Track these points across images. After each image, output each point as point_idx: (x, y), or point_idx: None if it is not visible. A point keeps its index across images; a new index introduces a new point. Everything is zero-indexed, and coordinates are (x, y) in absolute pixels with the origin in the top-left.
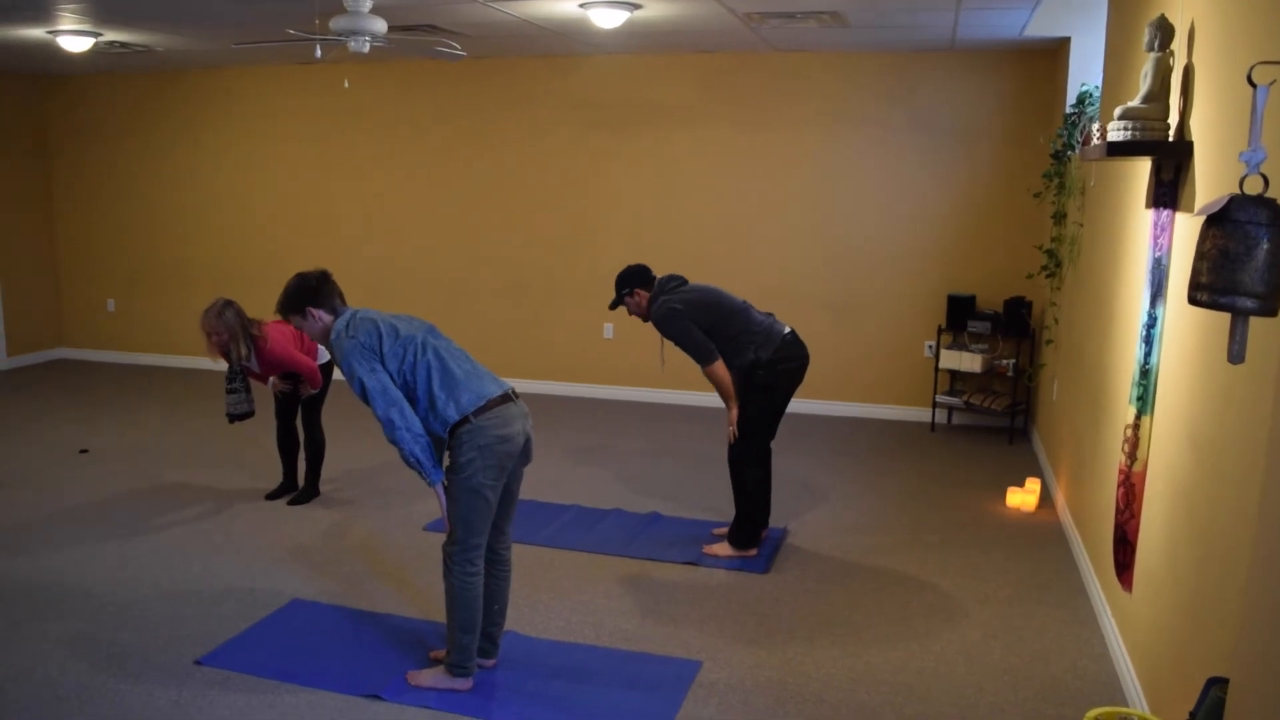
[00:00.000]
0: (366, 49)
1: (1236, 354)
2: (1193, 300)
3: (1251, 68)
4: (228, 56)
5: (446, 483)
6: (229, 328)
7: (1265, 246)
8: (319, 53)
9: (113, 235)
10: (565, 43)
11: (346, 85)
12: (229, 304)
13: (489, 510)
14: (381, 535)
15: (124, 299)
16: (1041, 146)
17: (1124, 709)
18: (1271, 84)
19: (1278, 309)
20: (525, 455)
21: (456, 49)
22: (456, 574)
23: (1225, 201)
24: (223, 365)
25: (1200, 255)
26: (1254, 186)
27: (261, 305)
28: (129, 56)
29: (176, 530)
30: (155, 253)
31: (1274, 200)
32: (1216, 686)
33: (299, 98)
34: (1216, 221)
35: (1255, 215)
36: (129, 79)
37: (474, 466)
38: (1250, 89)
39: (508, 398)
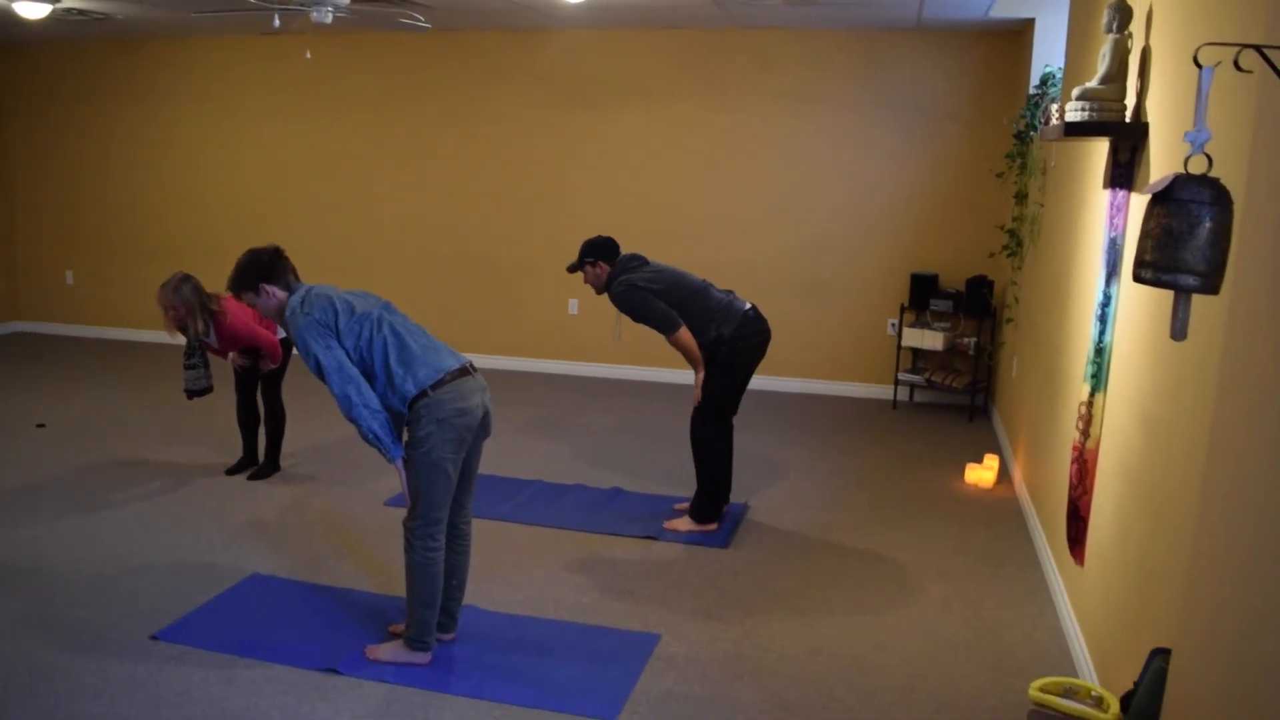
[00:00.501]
0: (329, 19)
1: (1179, 331)
2: (1137, 278)
3: (1197, 49)
4: (188, 26)
5: (406, 458)
6: (186, 303)
7: (1208, 225)
8: (277, 22)
9: (71, 207)
10: (531, 16)
11: (309, 56)
12: (187, 278)
13: (449, 484)
14: (342, 510)
15: (83, 271)
16: (1005, 127)
17: (1069, 679)
18: (1217, 65)
19: (1219, 286)
20: (484, 428)
21: (421, 20)
22: (418, 549)
23: (1169, 180)
24: (181, 340)
25: (1145, 233)
26: (1198, 166)
27: (221, 279)
28: (87, 24)
29: (135, 505)
30: (114, 225)
31: (1217, 180)
32: (1159, 657)
33: (260, 69)
34: (1161, 200)
35: (1198, 194)
36: (87, 47)
37: (433, 440)
38: (1219, 69)
39: (465, 371)
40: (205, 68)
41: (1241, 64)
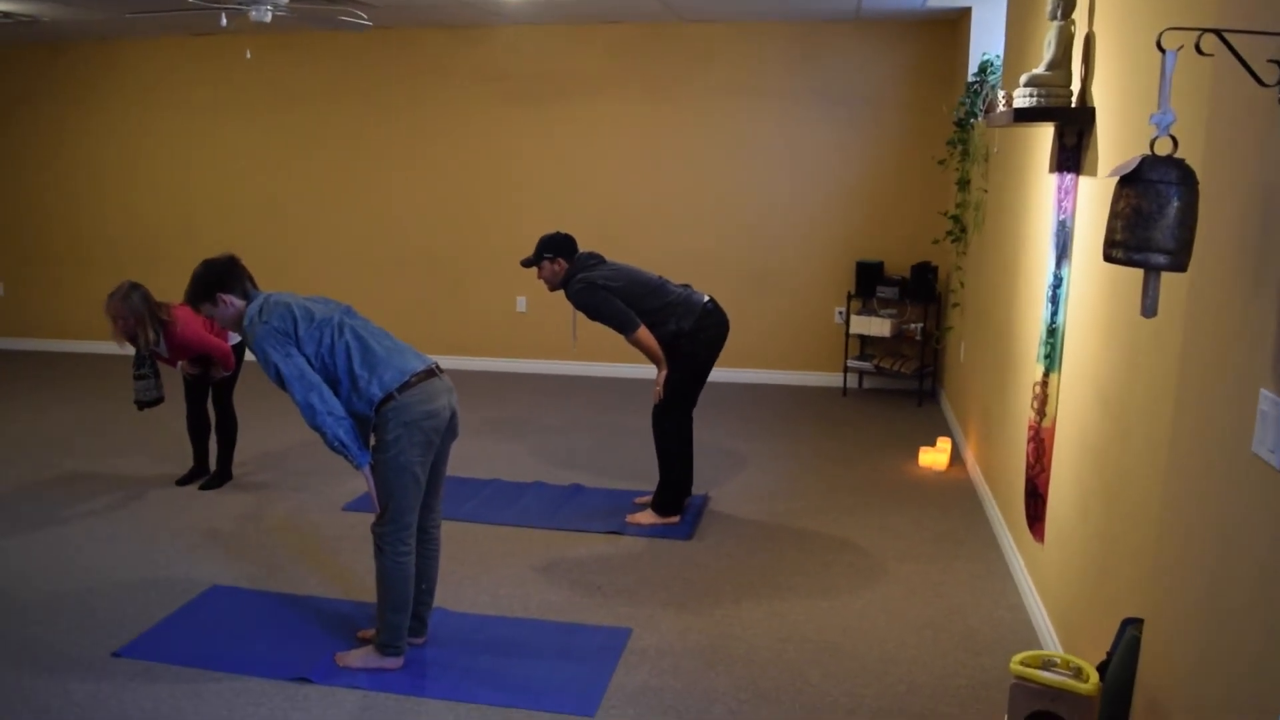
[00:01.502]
0: (268, 18)
1: (1149, 308)
2: (1108, 257)
3: (1161, 33)
4: (119, 28)
5: (373, 463)
6: (135, 312)
7: (1176, 204)
8: (225, 20)
9: (1, 216)
10: (472, 13)
11: (248, 56)
12: (135, 287)
13: (418, 488)
14: (299, 517)
15: (15, 282)
16: (945, 115)
17: (1047, 652)
18: (1180, 49)
19: (1188, 264)
20: (452, 430)
21: (362, 18)
22: (389, 554)
23: (1137, 162)
24: (129, 350)
25: (1114, 214)
26: (1164, 147)
27: (163, 286)
28: (12, 28)
29: (85, 520)
30: (48, 234)
31: (1183, 160)
32: (1132, 626)
33: (196, 70)
34: (1130, 181)
35: (1166, 175)
36: (13, 51)
37: (401, 444)
38: (1156, 55)
39: (432, 373)
40: (139, 70)
41: (1202, 47)
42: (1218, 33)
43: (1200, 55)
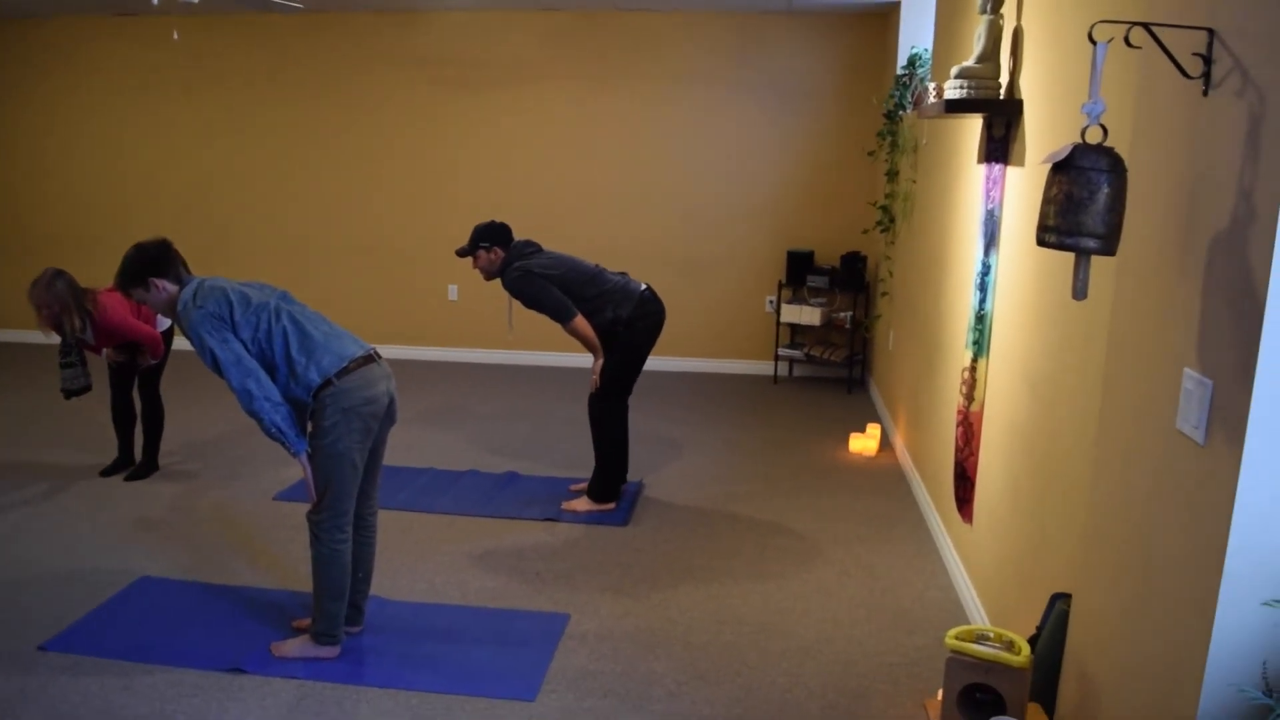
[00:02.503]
0: None
1: (1080, 290)
2: (1041, 242)
3: (1093, 26)
4: (38, 6)
5: (310, 450)
6: (60, 300)
7: (1106, 191)
8: (155, 0)
9: None
10: None
11: (176, 37)
12: (59, 274)
13: (356, 475)
14: (229, 506)
15: None
16: (874, 107)
17: (980, 627)
18: (1110, 41)
19: (1116, 248)
20: (390, 417)
21: (294, 0)
22: (325, 542)
23: (1070, 150)
24: (54, 339)
25: (1047, 200)
26: (1095, 136)
27: (93, 273)
28: None
29: (6, 512)
30: None
31: (1113, 149)
32: (1061, 600)
33: (123, 51)
34: (1062, 169)
35: (1096, 162)
36: None
37: (339, 430)
38: (1083, 48)
39: (370, 358)
40: (60, 50)
41: (1131, 40)
42: (1146, 26)
43: (1129, 48)
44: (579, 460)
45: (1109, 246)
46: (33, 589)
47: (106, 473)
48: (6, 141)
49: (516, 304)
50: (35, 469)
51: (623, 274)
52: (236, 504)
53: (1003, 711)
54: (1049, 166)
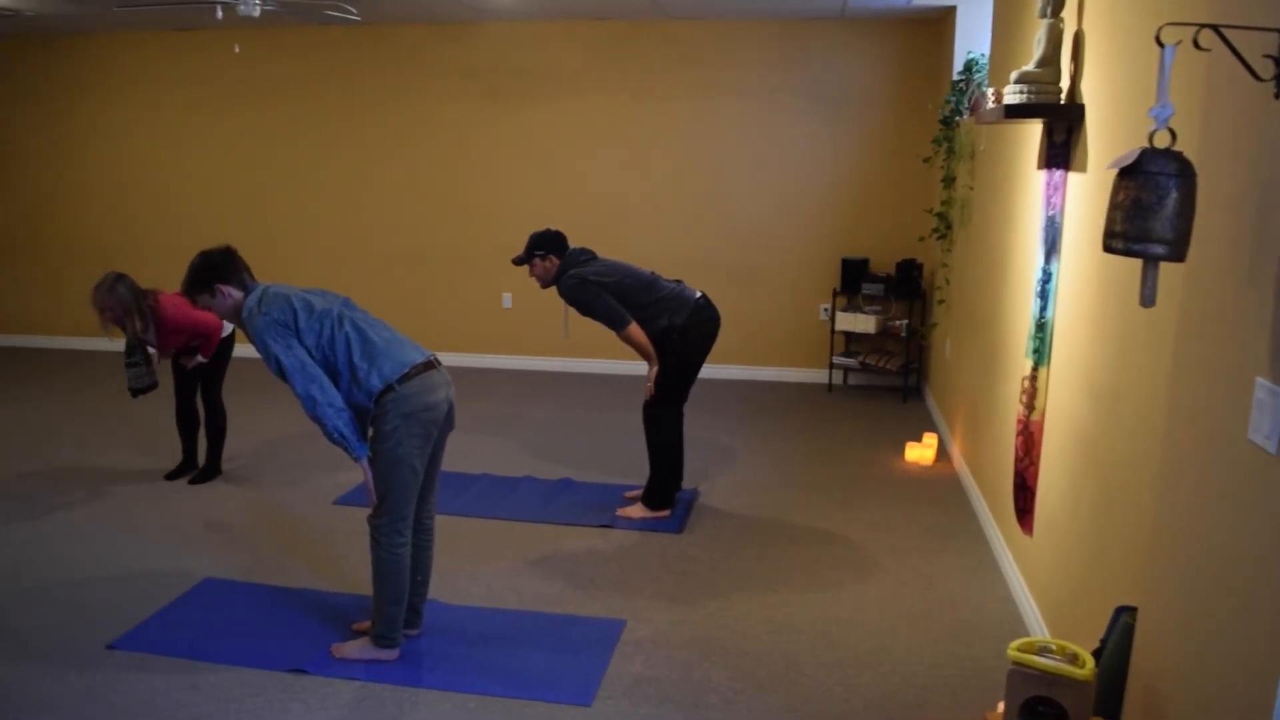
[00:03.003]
0: (257, 12)
1: (1148, 297)
2: (1107, 248)
3: (1160, 28)
4: (102, 22)
5: (371, 455)
6: (123, 302)
7: (1174, 196)
8: (220, 14)
9: None
10: (459, 9)
11: (237, 50)
12: (120, 278)
13: (416, 480)
14: (290, 510)
15: None
16: (930, 113)
17: (1043, 639)
18: (1178, 44)
19: (1185, 254)
20: (449, 422)
21: (351, 13)
22: (385, 545)
23: (1137, 155)
24: (117, 343)
25: (1114, 205)
26: (1163, 140)
27: (146, 278)
28: None
29: (74, 513)
30: (29, 228)
31: (1181, 153)
32: (1126, 613)
33: (181, 65)
34: (1129, 174)
35: (1165, 167)
36: None
37: (399, 435)
38: (1147, 52)
39: (430, 365)
40: (122, 64)
41: (1200, 42)
42: (1215, 28)
43: (1198, 50)
44: (634, 468)
45: (1178, 253)
46: (100, 589)
47: (171, 476)
48: (68, 153)
49: (572, 311)
50: (101, 472)
51: (678, 281)
52: (297, 508)
53: None
54: (1115, 172)
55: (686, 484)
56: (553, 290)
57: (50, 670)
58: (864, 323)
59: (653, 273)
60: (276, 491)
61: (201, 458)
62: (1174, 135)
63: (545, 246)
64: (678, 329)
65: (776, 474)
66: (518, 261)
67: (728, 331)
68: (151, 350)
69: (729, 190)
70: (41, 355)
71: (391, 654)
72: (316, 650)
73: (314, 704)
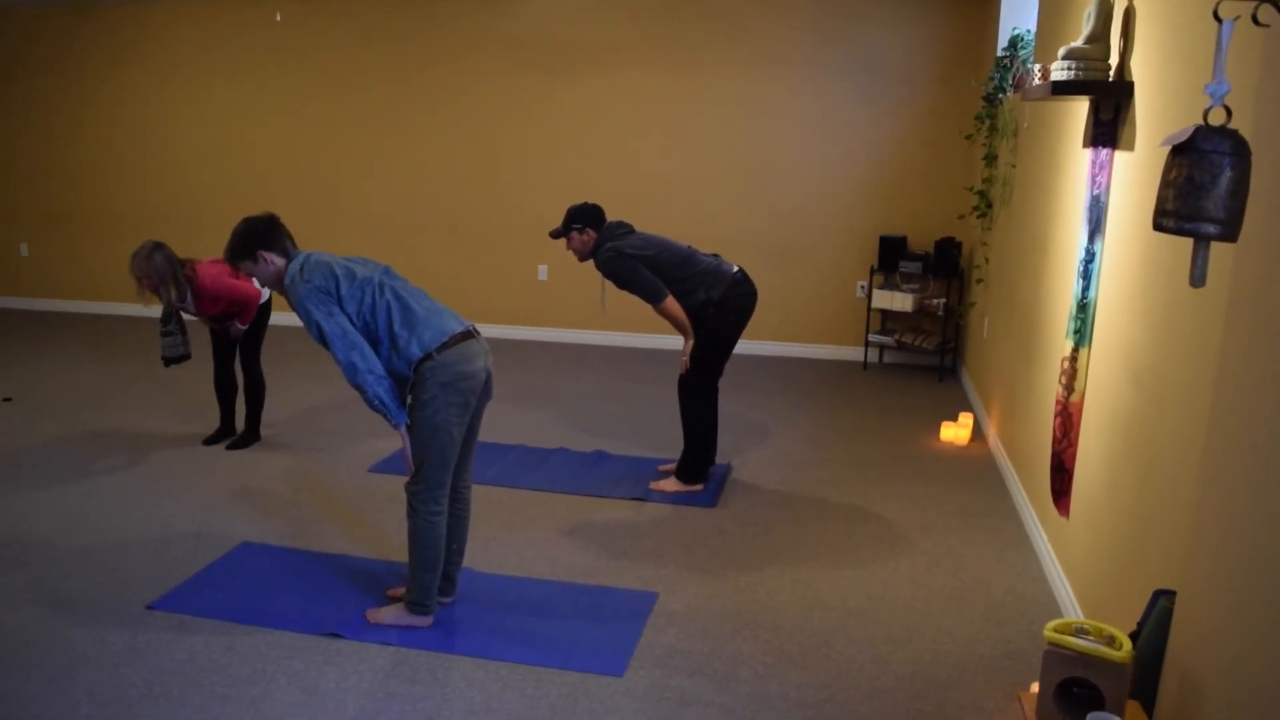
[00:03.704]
0: None
1: (1199, 277)
2: (1158, 226)
3: (1218, 3)
4: None
5: (410, 422)
6: (159, 271)
7: (1228, 174)
8: None
9: (24, 178)
10: None
11: (278, 19)
12: (158, 246)
13: (453, 448)
14: (326, 476)
15: (39, 243)
16: (973, 89)
17: (1079, 620)
18: (1236, 19)
19: (1238, 234)
20: (487, 392)
21: None
22: (421, 513)
23: (1191, 132)
24: (154, 310)
25: (1166, 184)
26: (1218, 118)
27: (185, 245)
28: None
29: (114, 476)
30: (72, 195)
31: (1236, 131)
32: (1164, 597)
33: (222, 34)
34: (1182, 151)
35: (1219, 145)
36: (35, 15)
37: (438, 403)
38: (1199, 28)
39: (469, 334)
40: (166, 33)
41: (1260, 18)
42: (1275, 3)
43: (1256, 26)
44: (668, 441)
45: (1230, 232)
46: (139, 551)
47: (209, 441)
48: (108, 122)
49: (609, 285)
50: (141, 437)
51: (715, 255)
52: (333, 474)
53: (1101, 707)
54: (1167, 149)
55: (720, 459)
56: (588, 263)
57: (91, 630)
58: (901, 301)
59: (690, 246)
60: (313, 457)
61: (239, 424)
62: (1229, 113)
63: (583, 220)
64: (714, 303)
65: (811, 450)
66: (555, 234)
67: (765, 307)
68: (188, 317)
69: (769, 166)
70: (84, 320)
71: (426, 620)
72: (352, 615)
73: (349, 668)
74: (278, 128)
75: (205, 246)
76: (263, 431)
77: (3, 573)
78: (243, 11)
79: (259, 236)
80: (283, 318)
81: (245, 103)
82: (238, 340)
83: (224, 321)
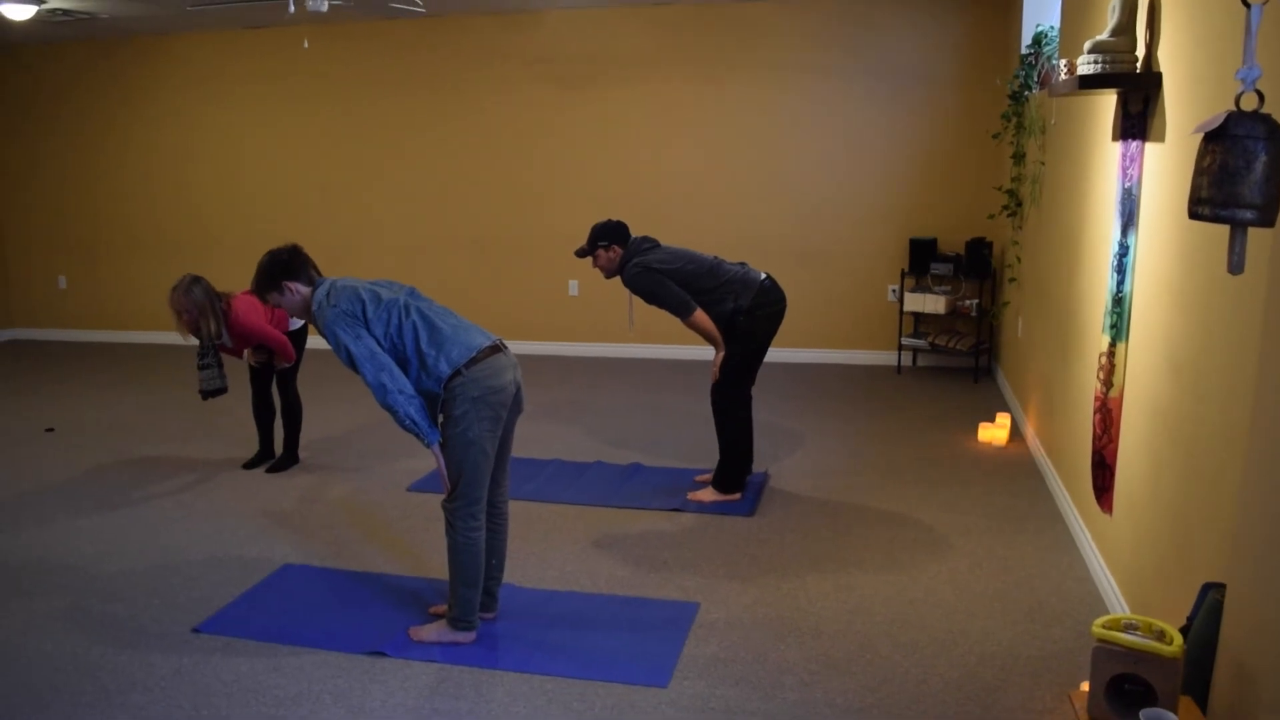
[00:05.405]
0: (325, 7)
1: (1236, 265)
2: (1193, 215)
3: None
4: (172, 23)
5: (443, 440)
6: (198, 304)
7: (1263, 159)
8: (293, 8)
9: (60, 210)
10: None
11: (306, 45)
12: (197, 280)
13: (487, 463)
14: (365, 497)
15: (76, 275)
16: (998, 88)
17: (1128, 615)
18: (1265, 3)
19: (1275, 220)
20: (517, 405)
21: (416, 4)
22: (460, 529)
23: (1223, 118)
24: (191, 341)
25: (1200, 171)
26: (1250, 103)
27: (218, 276)
28: (70, 25)
29: (156, 502)
30: (106, 226)
31: (1269, 115)
32: (1214, 591)
33: (250, 62)
34: (1215, 138)
35: (1253, 130)
36: (71, 48)
37: (469, 419)
38: (1225, 17)
39: (497, 348)
40: (192, 63)
41: None
42: None
43: None
44: (702, 452)
45: (1267, 218)
46: (183, 574)
47: (249, 465)
48: (142, 151)
49: (637, 300)
50: (182, 462)
51: (742, 264)
52: (372, 495)
53: (1153, 703)
54: (1199, 138)
55: (756, 467)
56: (618, 279)
57: (138, 652)
58: (933, 303)
59: (716, 257)
60: (352, 479)
61: (278, 447)
62: (1261, 97)
63: (608, 237)
64: (744, 311)
65: (847, 456)
66: (581, 253)
67: (795, 314)
68: (228, 357)
69: (795, 172)
70: (123, 350)
71: (468, 637)
72: (395, 633)
73: (394, 685)
74: (305, 152)
75: (237, 275)
76: (301, 454)
77: (48, 599)
78: (269, 39)
79: (282, 268)
80: (315, 343)
81: (273, 130)
82: (270, 364)
83: (265, 355)
